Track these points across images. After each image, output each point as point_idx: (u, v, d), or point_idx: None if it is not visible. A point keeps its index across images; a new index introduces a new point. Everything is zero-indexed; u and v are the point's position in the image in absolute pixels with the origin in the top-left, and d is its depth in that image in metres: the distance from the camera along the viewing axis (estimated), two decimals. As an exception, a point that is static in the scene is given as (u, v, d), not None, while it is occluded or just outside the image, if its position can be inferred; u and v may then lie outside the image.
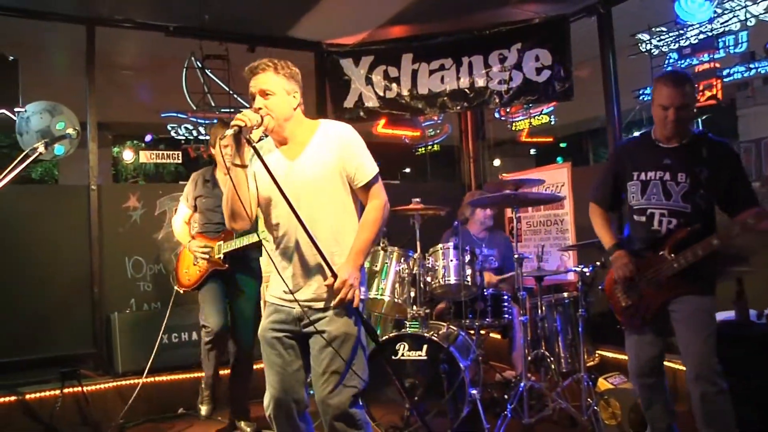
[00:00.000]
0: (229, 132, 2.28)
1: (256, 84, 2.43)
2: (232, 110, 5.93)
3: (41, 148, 2.92)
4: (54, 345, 4.71)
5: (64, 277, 4.87)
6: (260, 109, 2.39)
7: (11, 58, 4.63)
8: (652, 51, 4.90)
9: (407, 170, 12.51)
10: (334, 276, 2.33)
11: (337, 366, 2.39)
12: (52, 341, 4.71)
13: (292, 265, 2.46)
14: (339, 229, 2.47)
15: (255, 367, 4.04)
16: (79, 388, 4.33)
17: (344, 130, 2.53)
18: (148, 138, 8.73)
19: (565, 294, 4.40)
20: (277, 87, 2.42)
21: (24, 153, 2.90)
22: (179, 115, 6.37)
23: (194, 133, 6.43)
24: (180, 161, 5.93)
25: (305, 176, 2.44)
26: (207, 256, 3.91)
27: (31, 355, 4.62)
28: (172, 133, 6.45)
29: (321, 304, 2.44)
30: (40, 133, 4.65)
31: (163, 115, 6.47)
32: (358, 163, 2.48)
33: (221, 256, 3.90)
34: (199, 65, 5.58)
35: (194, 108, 5.97)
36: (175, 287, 4.13)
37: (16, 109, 4.64)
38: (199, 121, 6.17)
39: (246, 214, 2.43)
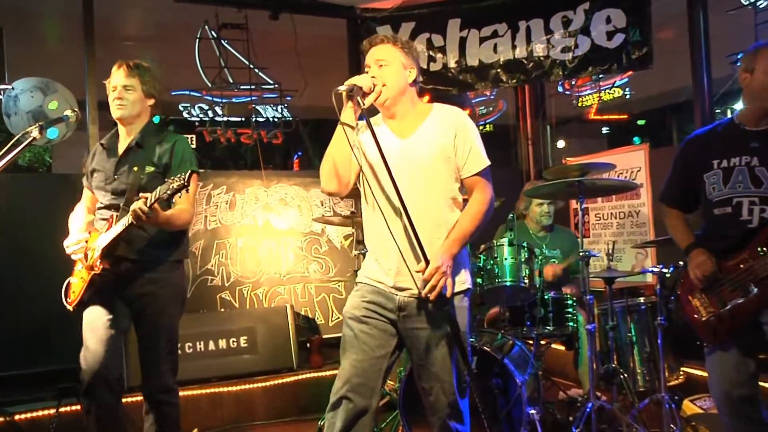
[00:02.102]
0: (342, 88, 2.49)
1: (373, 53, 2.67)
2: (252, 87, 6.01)
3: (35, 133, 2.92)
4: (51, 358, 4.79)
5: (62, 280, 5.04)
6: (374, 77, 2.60)
7: (-6, 26, 4.71)
8: (759, 3, 4.72)
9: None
10: (427, 262, 2.47)
11: (449, 365, 2.59)
12: (49, 354, 4.79)
13: (394, 250, 2.60)
14: (446, 218, 2.65)
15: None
16: (79, 406, 4.34)
17: (460, 114, 2.72)
18: (155, 119, 8.90)
19: (641, 299, 4.35)
20: (393, 57, 2.65)
21: (15, 138, 2.92)
22: (192, 93, 6.47)
23: (209, 113, 6.53)
24: (194, 146, 6.01)
25: (417, 156, 2.62)
26: (80, 255, 3.24)
27: (26, 370, 4.73)
28: (185, 114, 6.57)
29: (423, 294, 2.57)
30: (31, 114, 4.73)
31: (173, 93, 6.57)
32: (472, 150, 2.66)
33: (99, 252, 3.11)
34: (214, 35, 5.64)
35: (209, 85, 6.05)
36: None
37: (1, 87, 4.72)
38: (215, 99, 6.25)
39: (342, 177, 2.63)
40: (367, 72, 2.66)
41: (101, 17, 5.15)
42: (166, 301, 3.26)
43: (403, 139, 2.67)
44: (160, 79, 3.33)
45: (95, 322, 3.19)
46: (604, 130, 11.14)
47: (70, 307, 3.30)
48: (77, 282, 3.29)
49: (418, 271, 2.51)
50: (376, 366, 2.63)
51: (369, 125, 2.54)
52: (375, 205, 2.65)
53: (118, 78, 3.25)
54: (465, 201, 2.77)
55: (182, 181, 2.79)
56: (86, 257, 3.21)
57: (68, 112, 3.21)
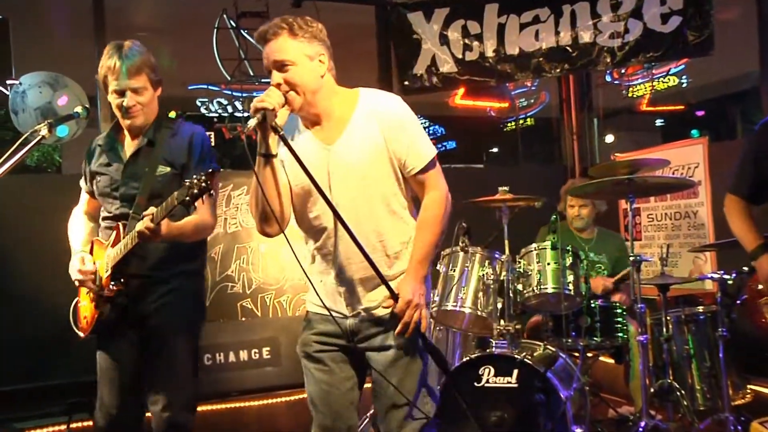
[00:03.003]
0: (252, 122, 2.27)
1: (269, 54, 2.39)
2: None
3: (44, 131, 2.87)
4: (59, 371, 4.79)
5: (71, 287, 5.07)
6: (280, 85, 2.37)
7: (0, 17, 4.80)
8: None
9: (493, 150, 12.41)
10: (395, 298, 2.37)
11: (409, 387, 2.47)
12: (57, 366, 4.79)
13: (337, 270, 2.51)
14: (388, 229, 2.51)
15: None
16: (91, 422, 4.35)
17: (392, 102, 2.53)
18: (171, 115, 8.99)
19: (700, 308, 4.31)
20: (295, 53, 2.37)
21: (23, 137, 2.90)
22: (210, 87, 6.50)
23: (229, 108, 6.57)
24: (212, 143, 6.04)
25: (347, 163, 2.45)
26: (90, 280, 3.02)
27: (35, 383, 4.74)
28: (202, 110, 6.62)
29: (378, 312, 2.50)
30: (39, 111, 4.75)
31: (190, 87, 6.62)
32: (410, 144, 2.48)
33: (108, 272, 2.93)
34: (233, 25, 5.66)
35: (228, 78, 6.06)
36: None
37: (8, 82, 4.79)
38: (234, 94, 6.28)
39: (277, 216, 2.44)
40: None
41: (113, 7, 5.19)
42: (183, 312, 3.04)
43: (330, 146, 2.47)
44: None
45: (110, 371, 3.02)
46: (658, 122, 10.99)
47: (81, 335, 3.13)
48: (87, 306, 3.09)
49: (386, 307, 2.43)
50: (346, 399, 2.56)
51: (286, 144, 2.30)
52: (311, 226, 2.53)
53: (121, 79, 2.92)
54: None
55: (203, 184, 2.51)
56: (95, 279, 3.01)
57: (79, 109, 3.16)
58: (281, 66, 2.37)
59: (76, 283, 3.09)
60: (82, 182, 3.29)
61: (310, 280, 2.52)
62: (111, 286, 2.90)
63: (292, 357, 5.07)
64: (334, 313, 2.53)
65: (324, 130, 2.50)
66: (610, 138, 8.98)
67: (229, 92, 6.26)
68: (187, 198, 2.53)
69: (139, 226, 2.69)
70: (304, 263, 2.58)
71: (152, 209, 2.70)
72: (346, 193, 2.45)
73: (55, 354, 4.76)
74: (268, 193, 2.40)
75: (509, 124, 8.99)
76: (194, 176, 2.56)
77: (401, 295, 2.38)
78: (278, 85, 2.36)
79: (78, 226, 3.27)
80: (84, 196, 3.30)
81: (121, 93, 2.95)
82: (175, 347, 2.99)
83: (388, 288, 2.36)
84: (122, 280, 2.92)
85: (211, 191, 2.56)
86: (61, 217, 4.78)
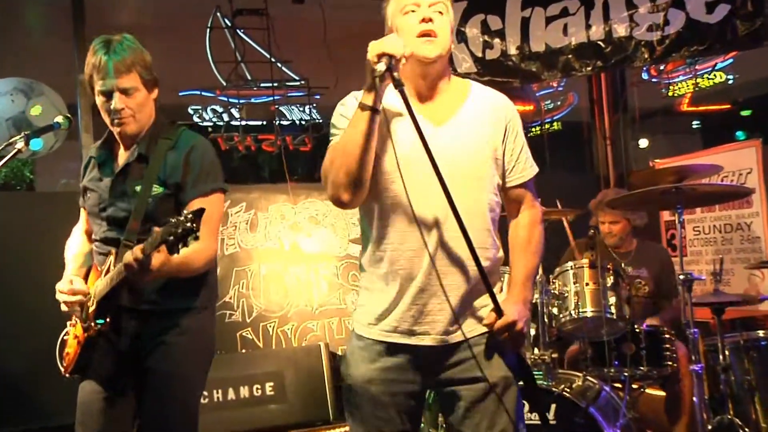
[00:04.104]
0: (381, 67, 2.18)
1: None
2: (275, 84, 5.97)
3: (20, 144, 2.80)
4: (37, 414, 4.77)
5: (52, 318, 4.94)
6: (430, 30, 2.33)
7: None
8: None
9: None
10: (499, 313, 2.27)
11: (503, 426, 2.35)
12: (34, 409, 4.77)
13: (418, 279, 2.33)
14: (492, 240, 2.40)
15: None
16: None
17: (507, 102, 2.50)
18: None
19: (761, 332, 4.27)
20: (448, 5, 2.40)
21: None
22: (203, 93, 6.49)
23: (225, 117, 6.53)
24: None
25: (459, 151, 2.35)
26: (78, 303, 2.86)
27: (8, 429, 4.70)
28: (195, 118, 6.64)
29: (471, 332, 2.36)
30: (11, 122, 4.77)
31: (181, 93, 6.62)
32: (523, 149, 2.46)
33: (93, 307, 2.78)
34: (228, 24, 5.64)
35: (224, 83, 6.05)
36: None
37: (-25, 90, 4.76)
38: (230, 100, 6.27)
39: (366, 180, 2.30)
40: (408, 14, 2.35)
41: (93, 4, 5.17)
42: (185, 354, 2.81)
43: (438, 127, 2.36)
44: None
45: (91, 407, 2.82)
46: (695, 123, 10.92)
47: (65, 374, 2.94)
48: (71, 341, 2.92)
49: (487, 324, 2.31)
50: None
51: (406, 103, 2.20)
52: (389, 217, 2.36)
53: (108, 78, 2.75)
54: None
55: (187, 224, 2.30)
56: (82, 309, 2.84)
57: (59, 119, 3.05)
58: (437, 10, 2.35)
59: (63, 308, 2.91)
60: (80, 198, 3.13)
61: (363, 290, 2.45)
62: (93, 324, 2.73)
63: (299, 393, 5.07)
64: (405, 339, 2.36)
65: (433, 107, 2.41)
66: (643, 142, 8.88)
67: (225, 98, 6.25)
68: (171, 238, 2.33)
69: (127, 257, 2.52)
70: (368, 266, 2.43)
71: (142, 243, 2.51)
72: (455, 181, 2.27)
73: (28, 396, 4.74)
74: (368, 155, 2.27)
75: (533, 129, 8.95)
76: (181, 215, 2.34)
77: (507, 313, 2.27)
78: (428, 31, 2.31)
79: (74, 247, 3.11)
80: (83, 214, 3.14)
81: (108, 94, 2.77)
82: (173, 396, 2.80)
83: (494, 300, 2.26)
84: (107, 319, 2.74)
85: (197, 234, 2.32)
86: (34, 241, 4.73)
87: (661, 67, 7.21)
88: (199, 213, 2.32)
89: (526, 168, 2.46)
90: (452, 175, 2.26)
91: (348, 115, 2.35)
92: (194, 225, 2.29)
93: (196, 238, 2.34)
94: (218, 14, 5.62)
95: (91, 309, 2.77)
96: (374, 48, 2.20)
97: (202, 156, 2.87)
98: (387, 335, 2.36)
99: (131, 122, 2.81)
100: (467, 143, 2.36)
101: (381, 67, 2.17)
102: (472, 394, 2.34)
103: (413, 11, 2.34)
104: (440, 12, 2.35)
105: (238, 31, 5.66)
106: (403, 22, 2.35)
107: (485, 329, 2.33)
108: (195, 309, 2.88)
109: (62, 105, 4.89)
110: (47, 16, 6.04)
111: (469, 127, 2.38)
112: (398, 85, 2.18)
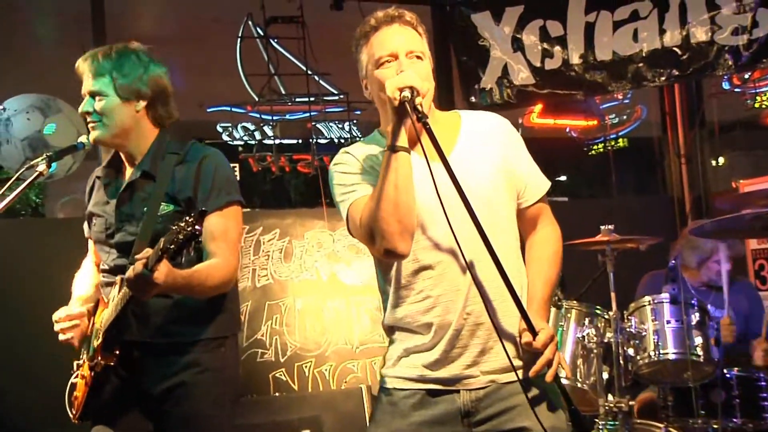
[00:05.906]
0: (407, 93, 2.22)
1: (394, 41, 2.41)
2: (312, 99, 5.93)
3: (41, 167, 2.85)
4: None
5: (49, 368, 4.84)
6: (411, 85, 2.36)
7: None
8: None
9: (563, 179, 12.38)
10: (533, 331, 2.26)
11: None
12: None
13: (453, 319, 2.37)
14: (521, 263, 2.51)
15: None
16: None
17: (501, 119, 2.59)
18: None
19: None
20: (423, 47, 2.47)
21: (17, 174, 2.89)
22: (234, 109, 6.51)
23: (257, 135, 6.51)
24: (237, 177, 5.98)
25: (472, 179, 2.38)
26: (71, 329, 2.90)
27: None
28: (224, 136, 6.66)
29: (507, 377, 2.37)
30: (27, 142, 4.76)
31: (209, 110, 6.63)
32: (530, 166, 2.54)
33: (100, 340, 2.81)
34: (261, 33, 5.62)
35: (256, 98, 6.06)
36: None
37: (-11, 108, 4.85)
38: (263, 117, 6.26)
39: (412, 226, 2.35)
40: (385, 66, 2.39)
41: (113, 14, 5.26)
42: (204, 395, 2.80)
43: (435, 162, 2.36)
44: (154, 61, 2.93)
45: None
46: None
47: (74, 420, 2.97)
48: (79, 383, 2.93)
49: (526, 343, 2.30)
50: None
51: (432, 139, 2.24)
52: (416, 259, 2.40)
53: (85, 80, 2.87)
54: None
55: (189, 228, 2.30)
56: (88, 345, 2.88)
57: (83, 139, 3.04)
58: (415, 55, 2.42)
59: (61, 337, 2.90)
60: (85, 227, 3.16)
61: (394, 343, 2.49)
62: (100, 359, 2.73)
63: (339, 441, 4.97)
64: (440, 386, 2.39)
65: (427, 145, 2.40)
66: (719, 160, 8.70)
67: (257, 115, 6.26)
68: (171, 247, 2.31)
69: (129, 272, 2.49)
70: (396, 322, 2.48)
71: (148, 250, 2.48)
72: (466, 221, 2.29)
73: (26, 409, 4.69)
74: (414, 198, 2.34)
75: (595, 146, 8.87)
76: (183, 219, 2.35)
77: (542, 328, 2.29)
78: (407, 87, 2.29)
79: (82, 280, 3.15)
80: (91, 245, 3.18)
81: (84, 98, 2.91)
82: None
83: (527, 319, 2.26)
84: (116, 351, 2.75)
85: (199, 238, 2.35)
86: (42, 274, 4.69)
87: (746, 76, 7.05)
88: (201, 214, 2.33)
89: (540, 183, 2.56)
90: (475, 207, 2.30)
91: (351, 170, 2.49)
92: (196, 228, 2.30)
93: (199, 242, 2.43)
94: (250, 22, 5.64)
95: (97, 343, 2.78)
96: (393, 83, 2.26)
97: (215, 167, 2.89)
98: (424, 384, 2.41)
99: (99, 128, 2.88)
100: (479, 169, 2.45)
101: (407, 93, 2.22)
102: None
103: (389, 62, 2.40)
104: (419, 57, 2.42)
105: (271, 40, 5.67)
106: (382, 75, 2.39)
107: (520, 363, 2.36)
108: (215, 341, 2.86)
109: (80, 122, 4.87)
110: (64, 27, 6.11)
111: (475, 153, 2.47)
112: (421, 119, 2.23)
